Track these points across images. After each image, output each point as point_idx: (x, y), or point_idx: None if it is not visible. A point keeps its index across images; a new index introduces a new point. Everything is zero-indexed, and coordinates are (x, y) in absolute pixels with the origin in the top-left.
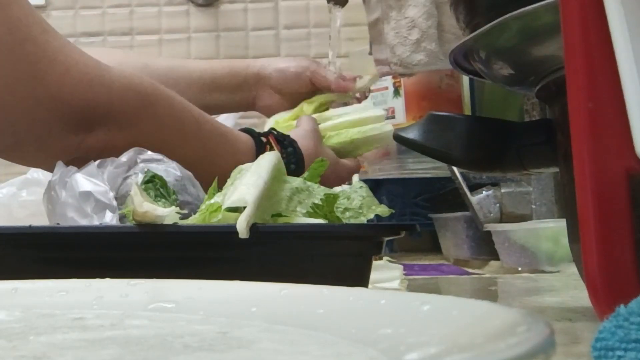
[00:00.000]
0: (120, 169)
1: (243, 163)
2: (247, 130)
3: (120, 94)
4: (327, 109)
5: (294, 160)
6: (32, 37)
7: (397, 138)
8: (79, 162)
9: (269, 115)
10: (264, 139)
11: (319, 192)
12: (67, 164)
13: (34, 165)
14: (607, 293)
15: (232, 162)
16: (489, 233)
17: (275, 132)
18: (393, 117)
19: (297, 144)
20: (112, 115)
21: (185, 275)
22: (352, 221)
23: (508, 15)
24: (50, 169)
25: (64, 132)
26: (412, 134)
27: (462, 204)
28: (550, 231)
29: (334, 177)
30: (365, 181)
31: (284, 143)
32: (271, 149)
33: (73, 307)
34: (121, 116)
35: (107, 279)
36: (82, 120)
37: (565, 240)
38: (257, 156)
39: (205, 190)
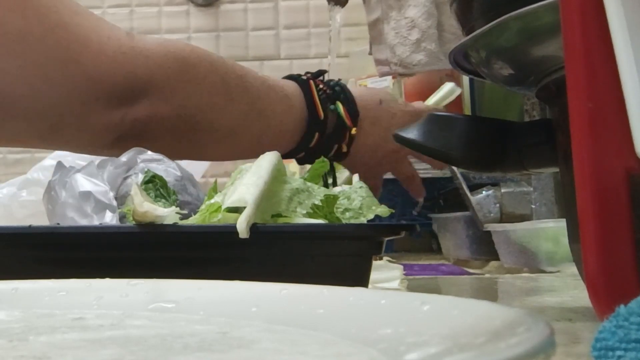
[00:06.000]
0: (120, 169)
1: (293, 109)
2: (289, 77)
3: (159, 62)
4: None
5: (340, 90)
6: (63, 22)
7: (397, 138)
8: (128, 140)
9: None
10: (304, 77)
11: (319, 192)
12: (113, 142)
13: (77, 149)
14: (607, 293)
15: (280, 110)
16: (489, 233)
17: (310, 73)
18: None
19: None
20: (153, 85)
21: (185, 275)
22: (352, 221)
23: (508, 15)
24: (94, 151)
25: (105, 109)
26: (412, 134)
27: (462, 204)
28: (550, 231)
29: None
30: None
31: (323, 79)
32: (314, 82)
33: (73, 307)
34: (163, 84)
35: (107, 279)
36: (122, 95)
37: (565, 240)
38: (305, 99)
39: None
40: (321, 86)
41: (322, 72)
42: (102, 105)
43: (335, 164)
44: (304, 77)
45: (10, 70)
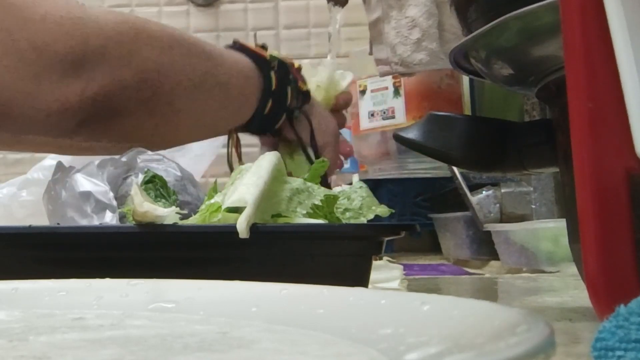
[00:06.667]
0: (120, 169)
1: (245, 72)
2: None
3: (112, 27)
4: None
5: (281, 64)
6: None
7: (397, 138)
8: (94, 122)
9: None
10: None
11: (319, 192)
12: (76, 125)
13: (35, 136)
14: (607, 293)
15: (236, 71)
16: (489, 233)
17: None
18: (393, 117)
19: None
20: (108, 51)
21: (185, 275)
22: (352, 221)
23: (508, 15)
24: (55, 141)
25: (59, 81)
26: (412, 134)
27: (462, 204)
28: (550, 231)
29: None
30: (365, 181)
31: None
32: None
33: (73, 307)
34: (119, 49)
35: (107, 279)
36: (77, 63)
37: (565, 240)
38: (258, 69)
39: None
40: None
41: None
42: (55, 77)
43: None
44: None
45: None
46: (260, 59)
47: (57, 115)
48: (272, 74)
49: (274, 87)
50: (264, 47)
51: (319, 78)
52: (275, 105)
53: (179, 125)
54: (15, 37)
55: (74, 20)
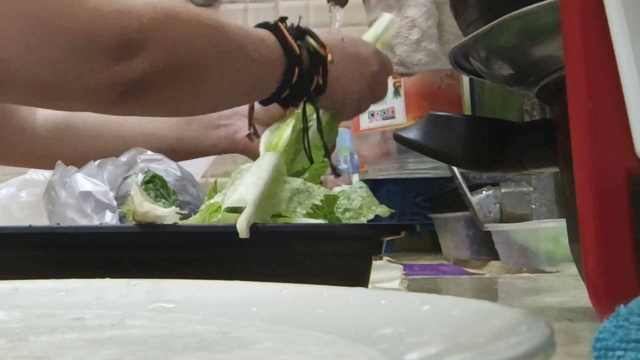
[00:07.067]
0: (120, 169)
1: (271, 49)
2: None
3: (150, 18)
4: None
5: (305, 28)
6: None
7: (397, 138)
8: (131, 95)
9: (247, 149)
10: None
11: (319, 193)
12: (117, 98)
13: (82, 108)
14: (607, 293)
15: (261, 51)
16: (489, 233)
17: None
18: (393, 117)
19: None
20: (147, 42)
21: (185, 275)
22: (352, 221)
23: (508, 15)
24: (99, 109)
25: (106, 66)
26: (412, 134)
27: (462, 204)
28: (550, 231)
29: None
30: (365, 181)
31: (292, 25)
32: (282, 23)
33: (73, 307)
34: (156, 39)
35: (107, 279)
36: (121, 51)
37: (565, 240)
38: (278, 40)
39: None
40: (287, 26)
41: (284, 18)
42: (102, 63)
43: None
44: (270, 22)
45: (2, 32)
46: (290, 52)
47: (102, 93)
48: (296, 70)
49: (294, 80)
50: (300, 32)
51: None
52: (291, 95)
53: (209, 95)
54: (64, 23)
55: (116, 13)
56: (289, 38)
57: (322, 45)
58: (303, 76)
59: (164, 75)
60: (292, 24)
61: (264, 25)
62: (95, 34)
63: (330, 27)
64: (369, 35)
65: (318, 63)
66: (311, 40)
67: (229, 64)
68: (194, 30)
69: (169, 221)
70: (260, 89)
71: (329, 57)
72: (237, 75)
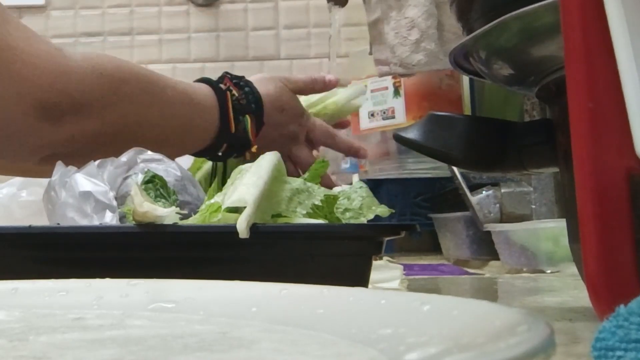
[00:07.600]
0: (120, 169)
1: (206, 118)
2: (204, 80)
3: (90, 81)
4: None
5: (252, 99)
6: None
7: (397, 138)
8: (58, 157)
9: None
10: (222, 86)
11: (319, 193)
12: (44, 159)
13: (13, 163)
14: (607, 293)
15: (197, 122)
16: (489, 233)
17: (229, 75)
18: (393, 117)
19: (253, 84)
20: (84, 104)
21: (185, 275)
22: (352, 221)
23: (508, 15)
24: (26, 168)
25: (38, 123)
26: (412, 134)
27: (462, 204)
28: (550, 231)
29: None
30: (365, 181)
31: (240, 84)
32: (230, 93)
33: (73, 307)
34: (95, 103)
35: (107, 279)
36: (55, 111)
37: (565, 240)
38: (220, 105)
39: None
40: (236, 95)
41: (234, 77)
42: (34, 120)
43: None
44: (222, 86)
45: None
46: (226, 128)
47: (33, 149)
48: (224, 145)
49: (220, 151)
50: (242, 108)
51: (338, 98)
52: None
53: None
54: (3, 78)
55: (56, 70)
56: (231, 115)
57: (258, 127)
58: (228, 151)
59: (93, 141)
60: (245, 87)
61: (213, 84)
62: (29, 91)
63: (331, 27)
64: (340, 95)
65: (244, 148)
66: (248, 124)
67: (164, 129)
68: (137, 100)
69: (169, 221)
70: (187, 151)
71: (254, 149)
72: (171, 140)
